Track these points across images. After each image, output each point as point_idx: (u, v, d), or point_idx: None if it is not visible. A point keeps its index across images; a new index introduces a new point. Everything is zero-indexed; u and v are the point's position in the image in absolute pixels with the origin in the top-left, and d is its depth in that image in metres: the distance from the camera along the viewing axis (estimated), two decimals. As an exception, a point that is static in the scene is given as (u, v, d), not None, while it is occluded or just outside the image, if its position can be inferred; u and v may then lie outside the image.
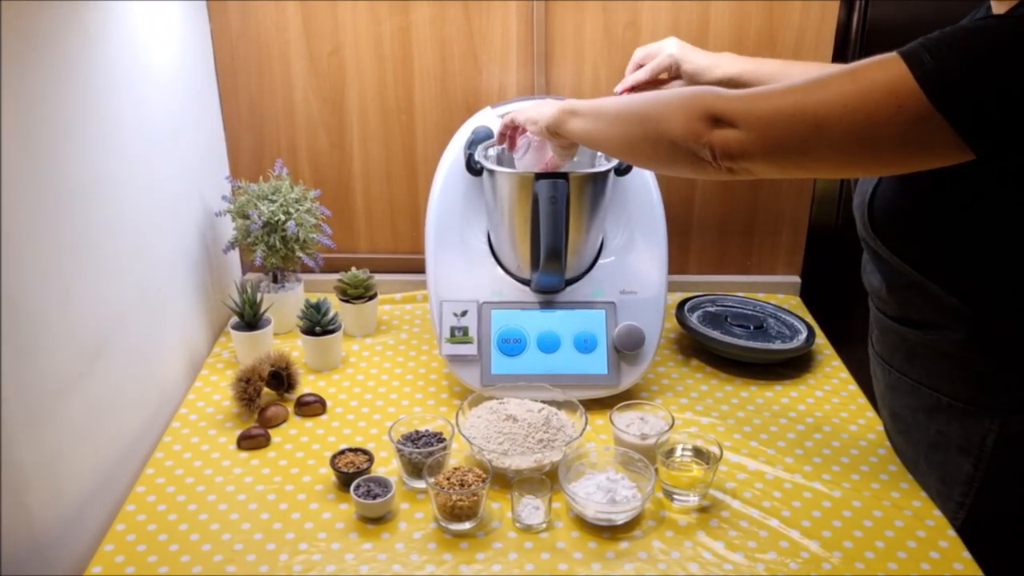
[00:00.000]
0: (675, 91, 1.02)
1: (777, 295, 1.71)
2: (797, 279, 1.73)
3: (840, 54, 1.60)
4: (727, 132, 0.92)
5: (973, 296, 1.01)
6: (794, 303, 1.69)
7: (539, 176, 1.27)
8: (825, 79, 0.88)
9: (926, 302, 1.06)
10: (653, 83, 1.33)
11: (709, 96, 0.95)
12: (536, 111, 1.19)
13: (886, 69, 0.84)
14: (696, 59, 1.30)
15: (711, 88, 0.97)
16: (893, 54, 0.85)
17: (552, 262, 1.29)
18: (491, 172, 1.33)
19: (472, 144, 1.39)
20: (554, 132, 1.16)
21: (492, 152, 1.40)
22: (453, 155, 1.43)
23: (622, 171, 1.38)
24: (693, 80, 1.29)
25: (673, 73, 1.31)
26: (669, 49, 1.31)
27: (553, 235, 1.27)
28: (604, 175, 1.33)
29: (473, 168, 1.37)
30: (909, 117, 0.83)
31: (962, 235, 0.99)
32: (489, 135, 1.42)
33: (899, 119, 0.83)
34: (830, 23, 1.55)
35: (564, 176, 1.27)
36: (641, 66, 1.34)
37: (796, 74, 1.19)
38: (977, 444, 1.06)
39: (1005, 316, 1.01)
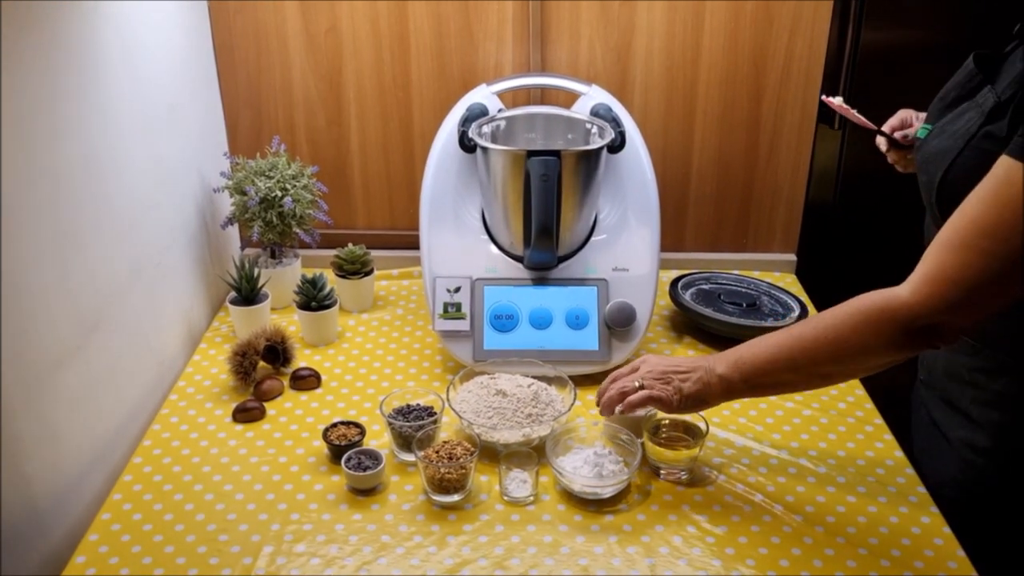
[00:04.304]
0: (852, 315, 0.98)
1: (773, 273, 1.72)
2: (793, 257, 1.74)
3: (837, 51, 1.60)
4: (932, 336, 0.94)
5: None
6: (789, 281, 1.70)
7: (531, 153, 1.28)
8: (981, 235, 0.89)
9: None
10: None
11: (900, 313, 0.94)
12: (696, 387, 1.08)
13: (1019, 181, 0.86)
14: None
15: (884, 297, 0.96)
16: (1012, 161, 0.87)
17: (543, 239, 1.30)
18: (484, 149, 1.34)
19: (466, 121, 1.40)
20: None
21: (486, 129, 1.40)
22: (448, 132, 1.44)
23: (615, 148, 1.38)
24: None
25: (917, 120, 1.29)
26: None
27: (544, 212, 1.28)
28: (597, 152, 1.34)
29: (467, 145, 1.38)
30: None
31: None
32: (484, 112, 1.42)
33: None
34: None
35: (556, 153, 1.28)
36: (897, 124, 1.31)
37: None
38: None
39: None
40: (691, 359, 1.12)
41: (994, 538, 1.08)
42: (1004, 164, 0.89)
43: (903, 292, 0.95)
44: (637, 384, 1.12)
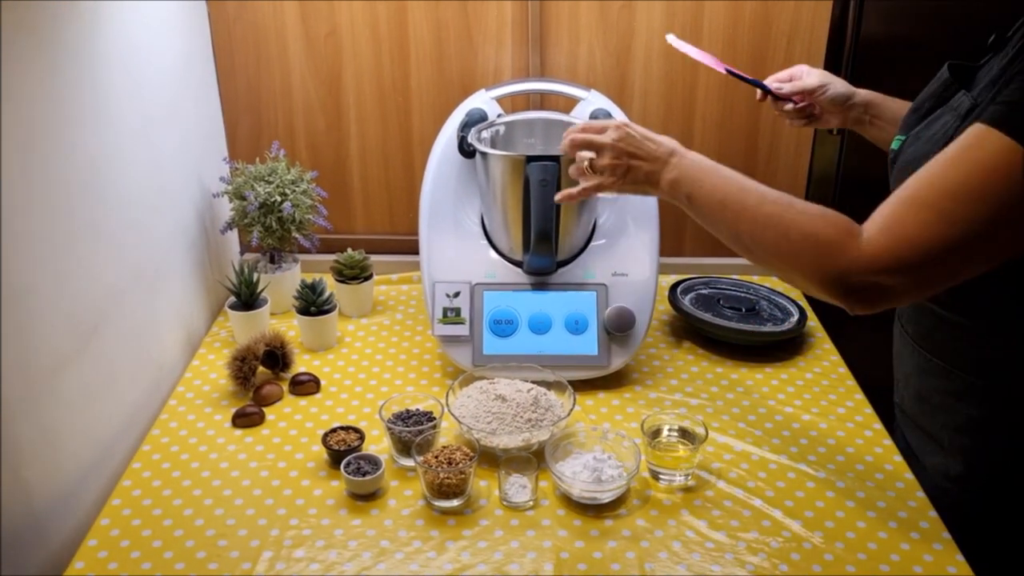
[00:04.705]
0: (804, 228, 0.94)
1: (772, 278, 1.72)
2: (792, 261, 1.74)
3: (836, 45, 1.60)
4: (867, 292, 0.91)
5: (1015, 279, 0.99)
6: (788, 286, 1.69)
7: (530, 159, 1.28)
8: (945, 194, 0.86)
9: (968, 285, 1.02)
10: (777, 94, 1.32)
11: (845, 257, 0.90)
12: (642, 179, 1.08)
13: (989, 148, 0.84)
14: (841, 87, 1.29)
15: (843, 229, 0.92)
16: (984, 127, 0.85)
17: (542, 244, 1.30)
18: (484, 154, 1.34)
19: (465, 126, 1.40)
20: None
21: (486, 134, 1.41)
22: (447, 137, 1.44)
23: (614, 154, 1.38)
24: (834, 103, 1.28)
25: (817, 95, 1.29)
26: (823, 78, 1.29)
27: (543, 217, 1.28)
28: (596, 158, 1.34)
29: (466, 150, 1.38)
30: None
31: None
32: (483, 117, 1.43)
33: None
34: (824, 12, 1.56)
35: (555, 159, 1.28)
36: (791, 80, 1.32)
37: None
38: (1013, 430, 1.05)
39: None
40: (659, 144, 1.07)
41: (972, 564, 1.07)
42: (975, 129, 0.87)
43: (861, 236, 0.91)
44: (586, 164, 1.10)
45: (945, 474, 1.13)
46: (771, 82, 1.31)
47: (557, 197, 1.18)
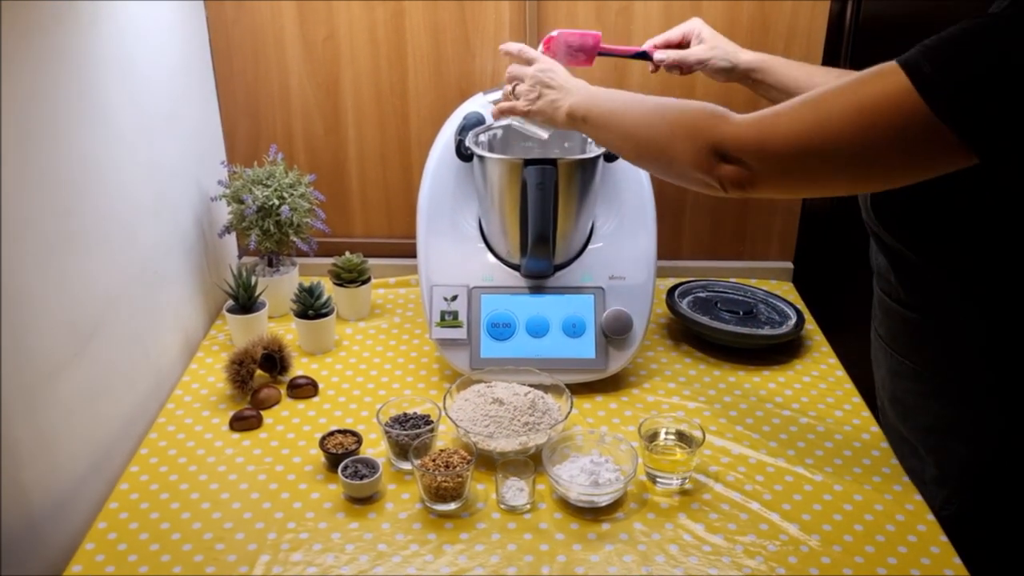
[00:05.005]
0: (681, 111, 1.00)
1: (769, 280, 1.72)
2: (790, 265, 1.74)
3: (833, 46, 1.60)
4: (735, 168, 0.93)
5: (976, 280, 1.01)
6: (786, 289, 1.70)
7: (528, 162, 1.29)
8: (829, 103, 0.87)
9: (930, 285, 1.06)
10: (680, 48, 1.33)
11: (715, 131, 0.94)
12: (548, 106, 1.15)
13: (888, 83, 0.84)
14: (724, 44, 1.31)
15: (714, 112, 0.96)
16: (893, 64, 0.85)
17: (540, 247, 1.30)
18: (481, 158, 1.35)
19: (463, 130, 1.40)
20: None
21: (483, 138, 1.41)
22: (445, 141, 1.44)
23: (611, 157, 1.39)
24: (716, 72, 1.29)
25: (698, 68, 1.31)
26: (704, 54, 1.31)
27: (541, 221, 1.28)
28: (593, 161, 1.34)
29: (463, 154, 1.39)
30: (916, 133, 0.83)
31: (963, 220, 0.99)
32: (480, 121, 1.43)
33: (906, 136, 0.84)
34: (822, 13, 1.56)
35: (553, 162, 1.28)
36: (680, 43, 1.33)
37: (818, 82, 1.20)
38: (978, 431, 1.07)
39: (1007, 300, 1.01)
40: (571, 79, 1.15)
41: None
42: (888, 63, 0.87)
43: (737, 115, 0.95)
44: (510, 88, 1.20)
45: (920, 477, 1.15)
46: (660, 43, 1.32)
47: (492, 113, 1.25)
